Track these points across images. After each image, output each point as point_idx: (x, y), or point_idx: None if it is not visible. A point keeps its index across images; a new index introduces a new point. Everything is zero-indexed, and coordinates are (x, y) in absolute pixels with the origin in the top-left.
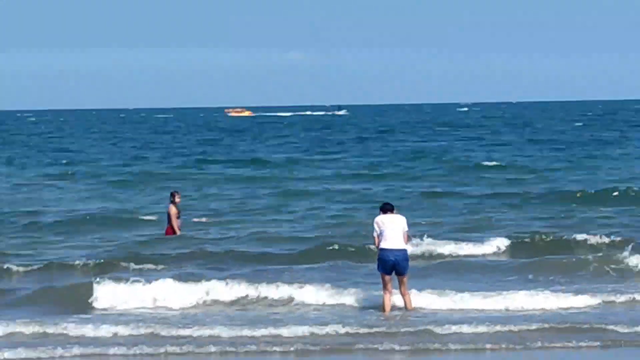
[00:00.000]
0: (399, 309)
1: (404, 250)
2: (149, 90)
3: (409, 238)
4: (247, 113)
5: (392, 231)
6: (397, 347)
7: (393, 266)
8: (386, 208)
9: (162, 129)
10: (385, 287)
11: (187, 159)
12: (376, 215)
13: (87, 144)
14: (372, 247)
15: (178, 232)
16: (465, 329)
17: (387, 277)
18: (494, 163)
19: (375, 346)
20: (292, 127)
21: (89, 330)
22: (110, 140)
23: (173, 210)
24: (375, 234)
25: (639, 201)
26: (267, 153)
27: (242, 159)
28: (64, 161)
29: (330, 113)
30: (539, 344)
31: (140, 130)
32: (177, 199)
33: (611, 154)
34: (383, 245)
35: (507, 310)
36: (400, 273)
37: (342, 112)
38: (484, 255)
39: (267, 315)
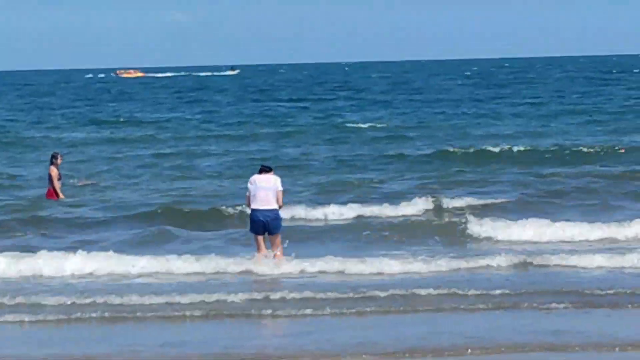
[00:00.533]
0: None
1: (275, 210)
2: (33, 51)
3: (283, 195)
4: (139, 74)
5: (263, 191)
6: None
7: (264, 226)
8: (262, 168)
9: (40, 91)
10: (258, 247)
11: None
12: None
13: None
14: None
15: (61, 195)
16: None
17: (259, 237)
18: (368, 125)
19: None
20: (168, 89)
21: None
22: None
23: (54, 171)
24: (247, 194)
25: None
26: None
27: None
28: None
29: (222, 73)
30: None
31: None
32: (59, 161)
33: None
34: (253, 205)
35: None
36: (271, 233)
37: (234, 72)
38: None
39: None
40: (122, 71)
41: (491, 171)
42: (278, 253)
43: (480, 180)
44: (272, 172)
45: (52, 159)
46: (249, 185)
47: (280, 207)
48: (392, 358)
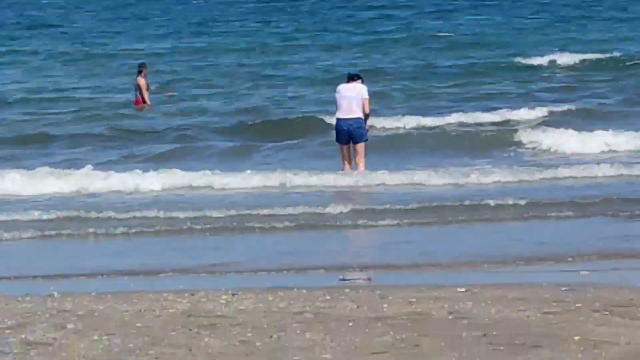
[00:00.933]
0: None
1: (359, 119)
2: None
3: (370, 103)
4: None
5: (346, 100)
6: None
7: (348, 135)
8: (348, 77)
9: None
10: (343, 158)
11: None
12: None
13: None
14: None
15: (149, 103)
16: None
17: (344, 147)
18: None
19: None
20: None
21: None
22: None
23: (142, 82)
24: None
25: None
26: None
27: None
28: None
29: None
30: None
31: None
32: (145, 72)
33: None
34: (338, 115)
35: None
36: (355, 141)
37: None
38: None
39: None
40: None
41: None
42: (361, 165)
43: None
44: (359, 81)
45: (139, 70)
46: (335, 94)
47: (367, 115)
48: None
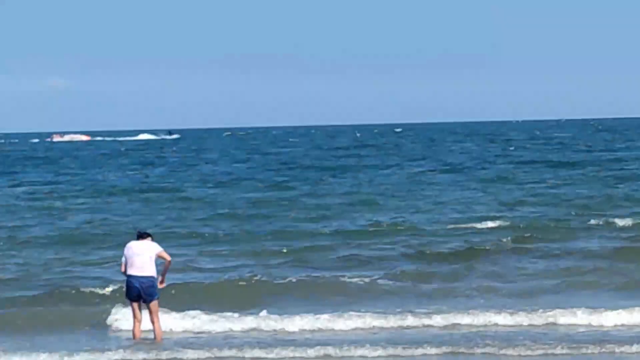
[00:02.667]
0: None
1: (151, 277)
2: None
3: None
4: (84, 137)
5: (138, 257)
6: None
7: (139, 292)
8: (138, 235)
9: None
10: (134, 315)
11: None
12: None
13: None
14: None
15: None
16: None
17: (134, 304)
18: None
19: None
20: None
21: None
22: None
23: None
24: (123, 260)
25: None
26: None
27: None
28: None
29: (160, 137)
30: None
31: None
32: None
33: None
34: (130, 271)
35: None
36: (146, 300)
37: (173, 137)
38: None
39: None
40: (58, 135)
41: None
42: (157, 323)
43: None
44: (149, 238)
45: None
46: (124, 251)
47: (169, 262)
48: None
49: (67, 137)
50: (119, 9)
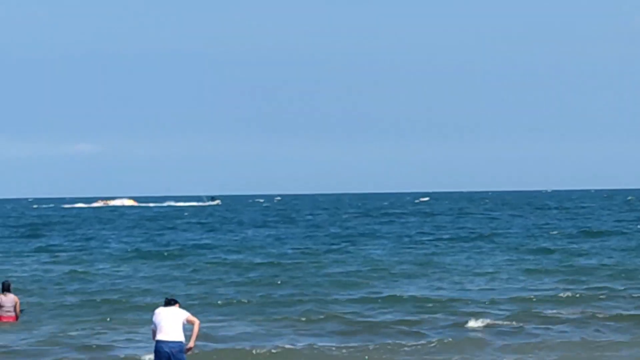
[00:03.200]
0: None
1: (180, 342)
2: None
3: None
4: (130, 202)
5: (167, 323)
6: None
7: (169, 357)
8: (166, 302)
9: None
10: None
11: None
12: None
13: None
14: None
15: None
16: None
17: None
18: None
19: None
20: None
21: None
22: None
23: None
24: (152, 327)
25: None
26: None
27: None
28: None
29: (205, 204)
30: None
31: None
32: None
33: None
34: (159, 337)
35: None
36: None
37: (215, 202)
38: None
39: None
40: (105, 201)
41: None
42: None
43: None
44: (177, 305)
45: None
46: (153, 317)
47: (198, 324)
48: None
49: (112, 202)
50: (145, 79)
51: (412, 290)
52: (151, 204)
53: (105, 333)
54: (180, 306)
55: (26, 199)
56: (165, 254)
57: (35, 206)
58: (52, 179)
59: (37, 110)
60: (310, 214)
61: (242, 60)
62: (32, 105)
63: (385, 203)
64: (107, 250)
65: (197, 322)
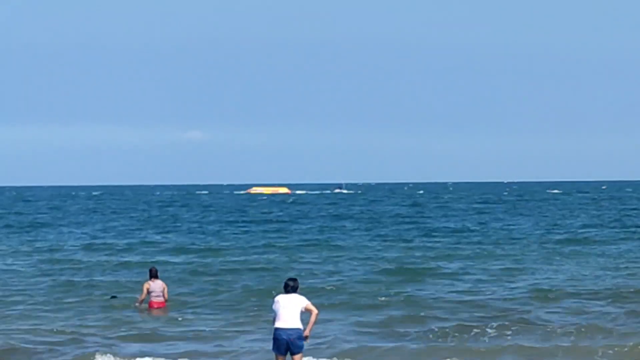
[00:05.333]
0: None
1: (298, 329)
2: (59, 167)
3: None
4: (283, 190)
5: (286, 310)
6: None
7: (287, 345)
8: (286, 288)
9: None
10: None
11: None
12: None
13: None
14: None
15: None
16: None
17: (280, 358)
18: None
19: None
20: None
21: None
22: None
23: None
24: (272, 314)
25: None
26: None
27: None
28: None
29: (334, 191)
30: None
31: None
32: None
33: None
34: (277, 324)
35: None
36: (293, 352)
37: (343, 190)
38: None
39: None
40: (258, 187)
41: None
42: None
43: None
44: (298, 292)
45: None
46: (274, 304)
47: (317, 314)
48: None
49: (266, 190)
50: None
51: None
52: (300, 192)
53: None
54: (300, 292)
55: (148, 185)
56: None
57: (168, 192)
58: (163, 166)
59: (154, 99)
60: None
61: (349, 52)
62: (148, 95)
63: None
64: None
65: (315, 311)
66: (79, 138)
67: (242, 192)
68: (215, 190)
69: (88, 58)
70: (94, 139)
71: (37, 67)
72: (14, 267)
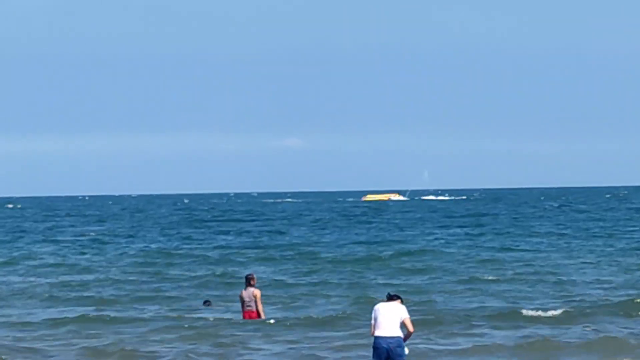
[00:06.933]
0: None
1: (398, 337)
2: (151, 176)
3: (412, 325)
4: (395, 196)
5: (385, 318)
6: None
7: (387, 354)
8: (388, 297)
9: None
10: None
11: None
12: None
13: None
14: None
15: (263, 316)
16: None
17: None
18: None
19: None
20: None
21: None
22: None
23: (257, 293)
24: (372, 322)
25: None
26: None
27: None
28: None
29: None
30: None
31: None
32: (253, 282)
33: None
34: (377, 332)
35: None
36: None
37: (401, 198)
38: None
39: None
40: (370, 195)
41: None
42: None
43: None
44: (399, 301)
45: (249, 282)
46: (372, 313)
47: (410, 333)
48: None
49: (382, 197)
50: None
51: None
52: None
53: None
54: (402, 302)
55: (250, 193)
56: None
57: (270, 200)
58: (259, 173)
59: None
60: None
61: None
62: (246, 102)
63: None
64: None
65: (410, 329)
66: (173, 146)
67: (354, 199)
68: (329, 198)
69: (185, 68)
70: (194, 147)
71: (136, 77)
72: None
